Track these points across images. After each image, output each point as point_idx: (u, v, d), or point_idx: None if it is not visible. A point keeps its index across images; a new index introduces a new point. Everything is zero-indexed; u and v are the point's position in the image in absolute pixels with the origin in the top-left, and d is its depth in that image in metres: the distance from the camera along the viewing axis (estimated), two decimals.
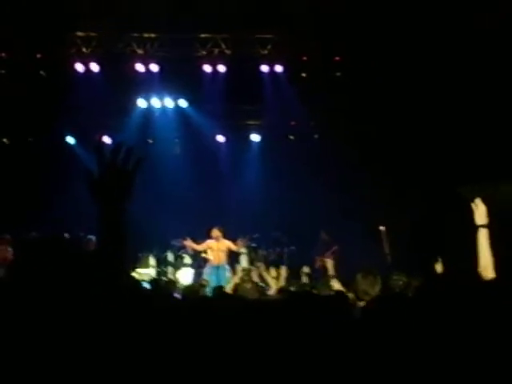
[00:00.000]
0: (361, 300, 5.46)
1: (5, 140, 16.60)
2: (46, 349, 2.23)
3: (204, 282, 13.22)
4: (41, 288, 2.32)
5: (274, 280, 10.09)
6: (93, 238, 15.20)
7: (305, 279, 11.95)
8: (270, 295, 8.86)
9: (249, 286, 7.76)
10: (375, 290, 5.43)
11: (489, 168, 13.44)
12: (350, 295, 6.31)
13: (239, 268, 15.35)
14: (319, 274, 14.44)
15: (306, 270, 12.71)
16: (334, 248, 15.76)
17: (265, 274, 10.44)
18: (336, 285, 9.62)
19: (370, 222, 13.99)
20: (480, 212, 5.32)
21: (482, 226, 5.26)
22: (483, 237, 5.24)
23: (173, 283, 11.58)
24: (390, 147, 15.85)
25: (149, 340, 2.96)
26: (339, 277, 11.16)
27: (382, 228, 13.28)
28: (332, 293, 7.24)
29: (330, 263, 12.28)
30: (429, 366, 2.89)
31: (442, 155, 14.85)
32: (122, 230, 2.51)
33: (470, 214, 5.83)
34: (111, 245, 2.49)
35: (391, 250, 12.90)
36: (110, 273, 2.47)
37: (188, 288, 9.51)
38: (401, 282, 6.33)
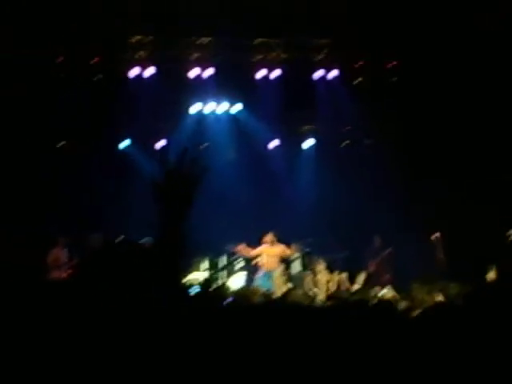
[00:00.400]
0: (416, 308, 5.38)
1: (64, 143, 16.76)
2: (105, 344, 2.26)
3: (256, 289, 13.22)
4: (105, 287, 2.36)
5: (326, 285, 10.08)
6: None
7: (357, 286, 11.86)
8: (319, 301, 8.82)
9: (300, 292, 7.70)
10: (432, 298, 5.34)
11: None
12: (404, 303, 6.24)
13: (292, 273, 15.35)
14: (374, 279, 14.31)
15: (362, 276, 12.61)
16: (388, 250, 15.51)
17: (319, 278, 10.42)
18: (390, 293, 9.56)
19: (425, 228, 13.82)
20: None
21: None
22: None
23: (224, 287, 11.59)
24: (444, 153, 15.68)
25: (193, 340, 2.94)
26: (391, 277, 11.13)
27: (436, 235, 13.10)
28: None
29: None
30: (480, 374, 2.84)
31: (497, 164, 14.67)
32: (181, 236, 2.51)
33: None
34: (169, 249, 2.49)
35: (446, 257, 12.73)
36: (165, 276, 2.48)
37: (238, 292, 9.51)
38: (456, 291, 6.22)
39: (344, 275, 12.13)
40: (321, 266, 14.98)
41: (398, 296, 8.81)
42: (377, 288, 11.08)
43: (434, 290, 5.48)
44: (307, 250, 16.29)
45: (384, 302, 6.97)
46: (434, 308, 4.02)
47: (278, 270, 15.28)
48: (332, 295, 10.36)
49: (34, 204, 15.04)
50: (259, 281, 15.14)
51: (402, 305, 6.21)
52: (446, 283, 6.11)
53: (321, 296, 10.12)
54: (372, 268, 15.75)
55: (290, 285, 12.20)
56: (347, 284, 11.80)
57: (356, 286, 11.54)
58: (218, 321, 4.04)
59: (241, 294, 9.01)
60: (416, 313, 5.28)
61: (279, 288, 13.96)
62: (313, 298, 9.17)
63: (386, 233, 15.54)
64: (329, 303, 7.27)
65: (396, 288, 9.86)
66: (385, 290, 9.66)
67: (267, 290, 11.51)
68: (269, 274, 15.06)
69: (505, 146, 14.56)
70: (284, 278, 15.41)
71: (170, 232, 2.49)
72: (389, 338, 3.50)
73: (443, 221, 14.01)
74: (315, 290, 10.87)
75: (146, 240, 13.69)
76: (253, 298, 7.99)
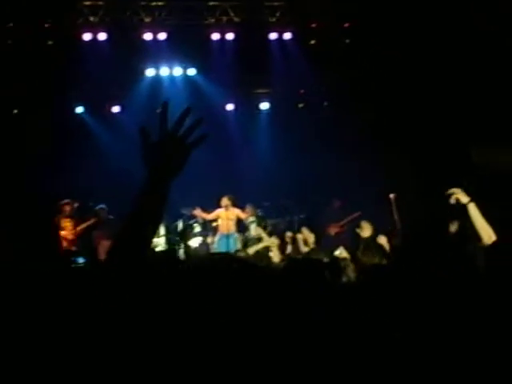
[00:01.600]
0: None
1: (15, 111, 16.57)
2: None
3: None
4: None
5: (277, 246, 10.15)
6: (104, 206, 15.36)
7: (306, 248, 11.93)
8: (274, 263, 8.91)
9: (242, 255, 7.77)
10: (375, 260, 5.46)
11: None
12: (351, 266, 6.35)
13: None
14: (331, 242, 14.38)
15: (288, 235, 12.70)
16: (357, 214, 15.50)
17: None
18: (344, 253, 9.65)
19: (381, 189, 13.95)
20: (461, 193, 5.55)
21: (469, 202, 5.49)
22: (474, 210, 5.44)
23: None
24: (400, 114, 15.79)
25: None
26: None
27: (391, 195, 13.23)
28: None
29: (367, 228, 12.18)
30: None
31: (454, 120, 14.81)
32: (164, 203, 2.43)
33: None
34: (150, 214, 2.42)
35: (400, 217, 12.88)
36: (141, 241, 2.41)
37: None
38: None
39: (299, 235, 12.19)
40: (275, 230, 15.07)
41: (349, 256, 8.91)
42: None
43: (375, 256, 5.60)
44: (261, 213, 16.38)
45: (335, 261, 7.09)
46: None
47: (235, 233, 15.39)
48: (286, 257, 10.44)
49: None
50: (216, 244, 15.25)
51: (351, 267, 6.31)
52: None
53: (276, 259, 10.20)
54: (334, 230, 15.89)
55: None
56: (302, 246, 11.86)
57: (306, 249, 11.59)
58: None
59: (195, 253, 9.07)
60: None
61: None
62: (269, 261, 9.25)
63: (342, 193, 15.71)
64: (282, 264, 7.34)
65: (349, 250, 9.95)
66: (338, 251, 9.73)
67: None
68: (226, 237, 15.14)
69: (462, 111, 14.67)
70: (241, 240, 15.53)
71: (153, 196, 2.42)
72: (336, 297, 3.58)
73: (399, 182, 14.14)
74: (270, 253, 10.92)
75: (100, 207, 13.67)
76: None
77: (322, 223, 16.00)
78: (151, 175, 2.41)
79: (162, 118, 2.48)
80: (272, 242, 10.56)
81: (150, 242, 2.49)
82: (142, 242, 2.42)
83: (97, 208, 15.36)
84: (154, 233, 2.51)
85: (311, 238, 11.97)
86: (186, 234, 16.49)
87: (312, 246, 11.64)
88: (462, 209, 5.72)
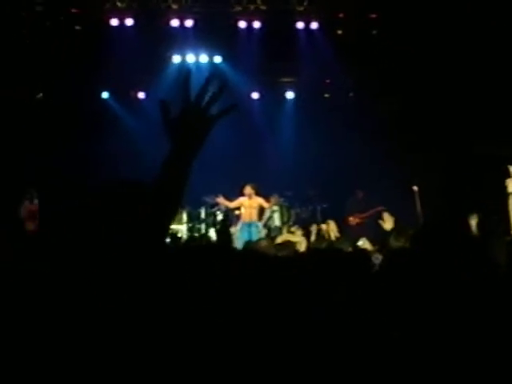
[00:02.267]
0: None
1: (40, 95, 16.66)
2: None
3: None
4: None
5: (304, 238, 10.12)
6: None
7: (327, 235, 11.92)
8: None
9: (264, 243, 7.72)
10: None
11: None
12: (379, 255, 6.30)
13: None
14: (353, 233, 14.36)
15: (313, 227, 12.68)
16: (380, 208, 15.50)
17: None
18: (367, 245, 9.62)
19: (404, 181, 13.92)
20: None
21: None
22: None
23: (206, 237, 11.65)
24: (426, 106, 15.72)
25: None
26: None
27: (415, 188, 13.20)
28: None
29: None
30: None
31: (478, 115, 14.72)
32: (187, 175, 2.34)
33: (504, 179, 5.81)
34: (174, 185, 2.34)
35: (423, 209, 12.85)
36: (162, 220, 2.34)
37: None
38: None
39: (324, 226, 12.19)
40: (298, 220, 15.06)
41: (373, 248, 8.87)
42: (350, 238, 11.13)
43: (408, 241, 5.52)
44: (285, 202, 16.38)
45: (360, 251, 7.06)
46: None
47: (257, 222, 15.38)
48: (311, 246, 10.40)
49: (12, 153, 14.99)
50: (238, 233, 15.24)
51: (378, 257, 6.27)
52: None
53: (302, 248, 10.18)
54: (355, 221, 15.87)
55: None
56: (326, 235, 11.87)
57: (330, 239, 11.58)
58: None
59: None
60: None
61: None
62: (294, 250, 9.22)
63: (366, 184, 15.65)
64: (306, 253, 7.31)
65: (373, 241, 9.91)
66: (360, 242, 9.70)
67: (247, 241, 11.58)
68: (248, 226, 15.15)
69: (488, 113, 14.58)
70: (264, 230, 15.54)
71: (177, 168, 2.34)
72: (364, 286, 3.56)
73: (422, 175, 14.10)
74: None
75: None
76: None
77: (344, 213, 15.98)
78: (173, 148, 2.34)
79: (185, 87, 2.39)
80: (300, 238, 10.53)
81: (171, 221, 2.42)
82: (163, 222, 2.36)
83: None
84: (175, 212, 2.45)
85: (335, 229, 11.96)
86: (210, 221, 16.54)
87: (336, 236, 11.63)
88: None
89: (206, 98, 2.38)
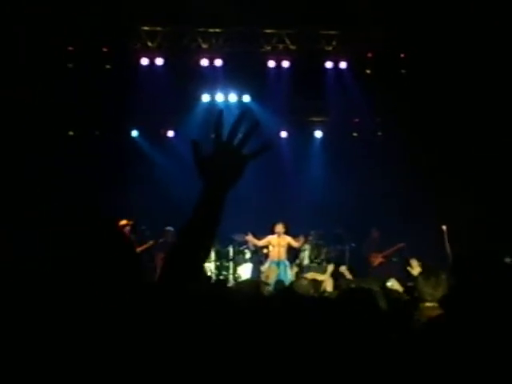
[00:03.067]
0: (425, 301, 5.35)
1: (71, 133, 16.84)
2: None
3: (265, 280, 13.27)
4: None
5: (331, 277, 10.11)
6: (171, 229, 15.39)
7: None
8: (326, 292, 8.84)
9: (305, 282, 7.70)
10: (439, 291, 5.31)
11: None
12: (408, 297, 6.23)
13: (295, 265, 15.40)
14: (376, 273, 14.32)
15: (342, 268, 12.64)
16: (401, 245, 15.57)
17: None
18: (396, 285, 9.53)
19: (432, 221, 13.84)
20: None
21: None
22: None
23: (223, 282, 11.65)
24: (455, 144, 15.66)
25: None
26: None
27: (443, 227, 13.10)
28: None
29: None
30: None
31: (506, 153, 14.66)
32: (220, 215, 2.33)
33: None
34: (205, 228, 2.33)
35: (452, 250, 12.72)
36: (196, 257, 2.34)
37: (247, 282, 9.55)
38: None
39: (344, 267, 12.19)
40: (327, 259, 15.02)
41: (402, 289, 8.80)
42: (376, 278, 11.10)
43: (439, 283, 5.43)
44: (316, 241, 16.32)
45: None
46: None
47: (286, 261, 15.31)
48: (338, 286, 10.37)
49: (42, 192, 15.10)
50: (266, 271, 15.17)
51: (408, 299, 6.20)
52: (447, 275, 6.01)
53: (328, 288, 10.16)
54: (377, 261, 15.80)
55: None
56: (348, 275, 11.85)
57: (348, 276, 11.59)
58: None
59: (249, 283, 9.04)
60: (426, 305, 5.27)
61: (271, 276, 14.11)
62: (318, 289, 9.20)
63: (394, 226, 15.55)
64: (334, 293, 7.28)
65: (401, 281, 9.84)
66: (389, 283, 9.63)
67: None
68: (276, 264, 15.08)
69: None
70: (295, 269, 15.47)
71: (211, 207, 2.33)
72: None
73: (451, 216, 13.99)
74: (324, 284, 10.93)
75: (168, 228, 13.59)
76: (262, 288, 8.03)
77: (362, 254, 15.98)
78: (206, 187, 2.33)
79: (218, 126, 2.38)
80: (326, 278, 10.50)
81: (205, 259, 2.43)
82: (197, 259, 2.35)
83: (166, 229, 15.38)
84: (209, 250, 2.45)
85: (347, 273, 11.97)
86: (237, 259, 16.51)
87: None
88: None
89: (239, 137, 2.37)
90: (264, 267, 15.38)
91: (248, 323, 3.99)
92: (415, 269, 10.75)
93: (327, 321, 3.47)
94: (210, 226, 2.34)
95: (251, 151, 2.38)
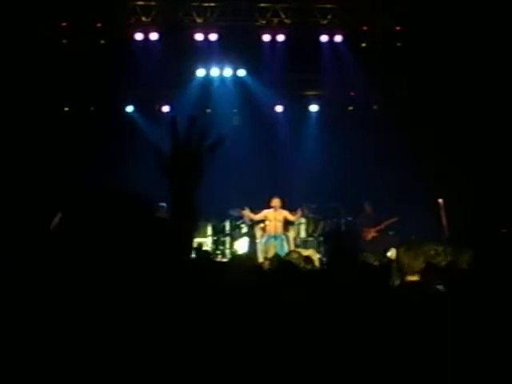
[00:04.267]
0: (405, 274, 5.39)
1: (66, 109, 16.81)
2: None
3: (265, 255, 13.33)
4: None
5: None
6: (164, 205, 15.38)
7: None
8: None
9: (295, 255, 7.79)
10: (418, 262, 5.34)
11: None
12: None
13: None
14: (371, 247, 14.37)
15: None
16: (394, 219, 15.67)
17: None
18: (394, 254, 9.59)
19: (428, 194, 13.88)
20: None
21: None
22: None
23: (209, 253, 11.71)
24: (451, 119, 15.65)
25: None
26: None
27: (440, 200, 13.13)
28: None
29: None
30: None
31: (503, 124, 14.65)
32: (194, 209, 2.41)
33: None
34: (183, 222, 2.40)
35: (449, 223, 12.77)
36: (178, 246, 2.41)
37: (242, 256, 9.58)
38: (432, 252, 6.13)
39: None
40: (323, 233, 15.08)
41: None
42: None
43: (418, 255, 5.46)
44: (311, 215, 16.37)
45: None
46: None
47: (283, 235, 15.36)
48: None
49: (37, 169, 15.08)
50: (262, 245, 15.23)
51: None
52: (431, 246, 6.02)
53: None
54: (370, 235, 15.85)
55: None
56: None
57: None
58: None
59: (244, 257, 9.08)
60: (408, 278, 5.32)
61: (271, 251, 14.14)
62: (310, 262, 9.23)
63: (389, 198, 15.60)
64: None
65: None
66: (390, 253, 9.70)
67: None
68: (273, 239, 15.12)
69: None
70: (293, 243, 15.54)
71: (181, 205, 2.41)
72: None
73: (448, 188, 14.03)
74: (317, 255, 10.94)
75: (161, 205, 13.63)
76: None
77: (358, 227, 16.04)
78: (171, 187, 2.43)
79: (172, 131, 2.50)
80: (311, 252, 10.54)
81: (191, 245, 2.53)
82: (183, 247, 2.45)
83: (159, 205, 15.35)
84: (191, 239, 2.53)
85: None
86: (235, 234, 16.54)
87: None
88: None
89: (195, 137, 2.46)
90: (261, 241, 15.43)
91: (246, 296, 4.01)
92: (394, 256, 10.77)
93: (323, 294, 3.50)
94: (187, 221, 2.41)
95: (207, 145, 2.47)
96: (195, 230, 2.52)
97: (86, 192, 2.40)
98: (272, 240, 15.08)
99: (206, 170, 2.47)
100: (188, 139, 2.46)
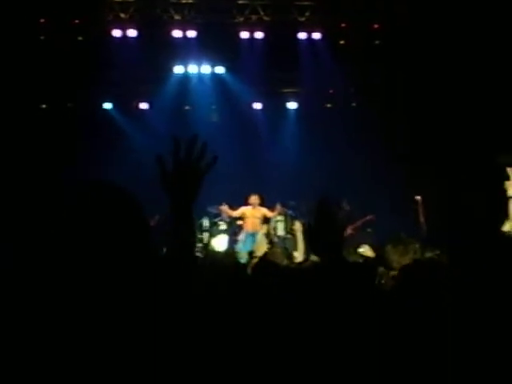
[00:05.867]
0: (391, 270, 5.40)
1: (43, 106, 16.73)
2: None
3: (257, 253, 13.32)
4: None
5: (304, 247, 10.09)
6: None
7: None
8: (297, 261, 8.89)
9: (278, 251, 7.76)
10: (406, 259, 5.36)
11: None
12: (381, 267, 6.28)
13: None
14: (347, 243, 14.40)
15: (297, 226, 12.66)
16: (370, 217, 15.76)
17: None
18: (369, 252, 9.60)
19: (405, 191, 13.94)
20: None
21: None
22: None
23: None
24: (429, 116, 15.72)
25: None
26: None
27: (417, 198, 13.18)
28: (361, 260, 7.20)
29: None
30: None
31: (481, 123, 14.70)
32: (191, 224, 2.57)
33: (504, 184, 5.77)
34: (185, 233, 2.55)
35: (426, 220, 12.82)
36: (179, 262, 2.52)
37: (222, 254, 9.56)
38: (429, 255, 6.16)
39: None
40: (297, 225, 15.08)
41: (374, 255, 8.86)
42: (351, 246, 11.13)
43: (407, 251, 5.48)
44: (289, 212, 16.38)
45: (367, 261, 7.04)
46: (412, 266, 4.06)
47: (261, 231, 15.37)
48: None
49: (16, 165, 14.99)
50: (241, 243, 15.23)
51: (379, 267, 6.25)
52: (420, 245, 6.05)
53: (300, 258, 10.16)
54: (349, 232, 15.91)
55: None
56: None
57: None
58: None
59: (224, 254, 9.05)
60: (391, 274, 5.32)
61: (261, 249, 14.09)
62: (290, 257, 9.23)
63: (368, 196, 15.64)
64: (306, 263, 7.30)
65: (375, 249, 9.91)
66: (362, 249, 9.70)
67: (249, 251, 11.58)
68: (251, 236, 15.14)
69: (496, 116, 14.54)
70: (266, 239, 15.52)
71: (179, 220, 2.54)
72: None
73: (425, 185, 14.08)
74: (295, 253, 10.90)
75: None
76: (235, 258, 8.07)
77: None
78: (172, 202, 2.55)
79: (175, 150, 2.58)
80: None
81: (192, 250, 2.62)
82: (185, 254, 2.55)
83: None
84: (194, 245, 2.65)
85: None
86: (213, 231, 16.52)
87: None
88: None
89: (195, 156, 2.58)
90: (239, 238, 15.44)
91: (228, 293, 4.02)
92: (367, 253, 10.79)
93: (307, 291, 3.50)
94: (187, 232, 2.56)
95: (205, 165, 2.60)
96: (195, 238, 2.67)
97: (79, 188, 2.43)
98: (249, 238, 15.11)
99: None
100: (189, 157, 2.57)
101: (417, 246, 5.69)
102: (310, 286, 3.66)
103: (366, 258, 7.30)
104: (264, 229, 15.85)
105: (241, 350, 3.31)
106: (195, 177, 2.57)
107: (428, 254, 6.17)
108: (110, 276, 2.20)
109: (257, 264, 5.77)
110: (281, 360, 3.00)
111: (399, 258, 5.32)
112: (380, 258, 6.27)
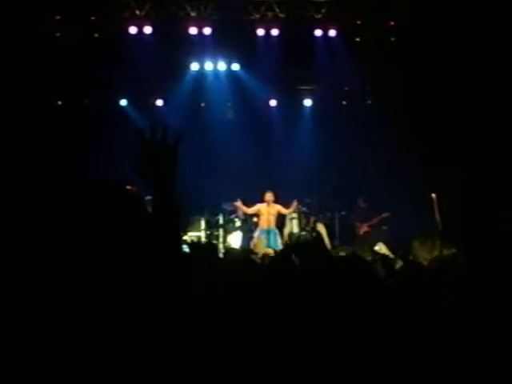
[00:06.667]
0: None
1: (59, 102, 16.78)
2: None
3: (254, 249, 13.34)
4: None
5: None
6: (150, 198, 15.35)
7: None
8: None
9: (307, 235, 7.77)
10: (433, 255, 5.36)
11: None
12: (400, 262, 6.26)
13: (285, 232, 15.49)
14: (362, 241, 14.43)
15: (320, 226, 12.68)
16: (385, 215, 15.75)
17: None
18: (384, 250, 9.60)
19: (421, 189, 13.89)
20: None
21: None
22: None
23: (213, 245, 11.62)
24: (445, 114, 15.65)
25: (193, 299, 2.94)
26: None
27: (433, 195, 13.14)
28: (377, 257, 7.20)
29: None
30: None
31: (497, 121, 14.64)
32: (173, 207, 2.50)
33: None
34: (165, 222, 2.48)
35: (442, 218, 12.78)
36: (163, 244, 2.45)
37: (237, 251, 9.58)
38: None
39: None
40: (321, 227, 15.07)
41: (390, 254, 8.85)
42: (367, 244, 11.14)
43: (435, 247, 5.48)
44: (303, 209, 16.37)
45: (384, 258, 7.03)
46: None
47: (275, 229, 15.38)
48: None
49: (34, 161, 15.04)
50: (256, 239, 15.24)
51: (398, 264, 6.23)
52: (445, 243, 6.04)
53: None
54: (362, 230, 15.92)
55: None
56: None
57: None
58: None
59: (239, 252, 9.07)
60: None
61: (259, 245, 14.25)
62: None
63: (384, 194, 15.60)
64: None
65: (390, 247, 9.90)
66: (377, 247, 9.70)
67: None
68: (266, 233, 15.15)
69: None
70: (288, 239, 15.55)
71: (160, 205, 2.50)
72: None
73: (440, 183, 14.03)
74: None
75: (148, 198, 13.59)
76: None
77: (351, 222, 16.13)
78: (149, 186, 2.53)
79: (138, 135, 2.54)
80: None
81: (178, 240, 2.57)
82: (170, 242, 2.49)
83: (146, 198, 15.32)
84: (178, 236, 2.58)
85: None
86: (228, 228, 16.53)
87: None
88: None
89: (158, 138, 2.53)
90: (254, 235, 15.46)
91: (239, 291, 4.01)
92: (382, 251, 10.78)
93: (322, 290, 3.49)
94: (169, 216, 2.51)
95: (172, 141, 2.55)
96: (179, 224, 2.56)
97: (82, 188, 2.43)
98: (261, 235, 15.13)
99: (179, 167, 2.54)
100: (152, 139, 2.52)
101: (438, 242, 5.69)
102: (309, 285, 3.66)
103: (382, 256, 7.29)
104: (288, 227, 15.90)
105: (241, 350, 3.31)
106: (166, 155, 2.52)
107: (446, 252, 6.16)
108: (109, 276, 2.19)
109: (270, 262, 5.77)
110: (281, 360, 2.99)
111: (427, 254, 5.31)
112: (407, 254, 6.26)
